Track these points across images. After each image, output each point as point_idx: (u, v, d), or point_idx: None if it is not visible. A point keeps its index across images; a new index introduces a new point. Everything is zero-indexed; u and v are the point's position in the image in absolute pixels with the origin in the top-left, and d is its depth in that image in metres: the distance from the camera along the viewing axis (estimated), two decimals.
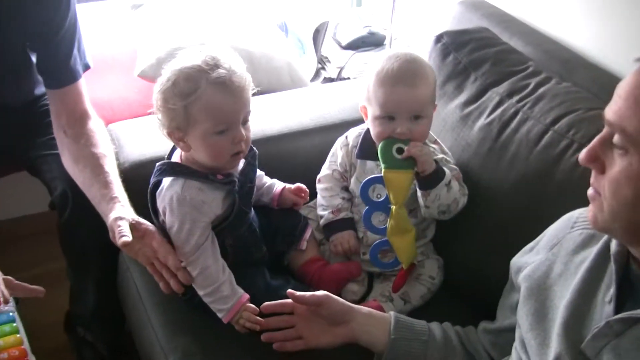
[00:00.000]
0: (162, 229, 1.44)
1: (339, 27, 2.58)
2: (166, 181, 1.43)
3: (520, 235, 1.41)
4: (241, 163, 1.48)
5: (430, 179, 1.48)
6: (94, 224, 1.52)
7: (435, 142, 1.60)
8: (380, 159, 1.48)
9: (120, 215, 1.40)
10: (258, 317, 1.38)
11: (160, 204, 1.43)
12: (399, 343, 1.31)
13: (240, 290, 1.42)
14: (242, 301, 1.40)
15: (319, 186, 1.65)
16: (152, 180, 1.45)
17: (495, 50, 1.68)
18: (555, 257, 1.14)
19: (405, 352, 1.31)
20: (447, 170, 1.50)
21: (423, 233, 1.62)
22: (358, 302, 1.51)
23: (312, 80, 2.45)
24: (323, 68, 2.50)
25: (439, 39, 1.74)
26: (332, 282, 1.53)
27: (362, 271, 1.59)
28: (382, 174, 1.47)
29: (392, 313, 1.36)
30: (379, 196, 1.53)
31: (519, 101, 1.54)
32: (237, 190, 1.43)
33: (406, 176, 1.47)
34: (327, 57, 2.51)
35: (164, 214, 1.42)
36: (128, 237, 1.34)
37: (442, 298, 1.60)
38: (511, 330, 1.23)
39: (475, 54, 1.68)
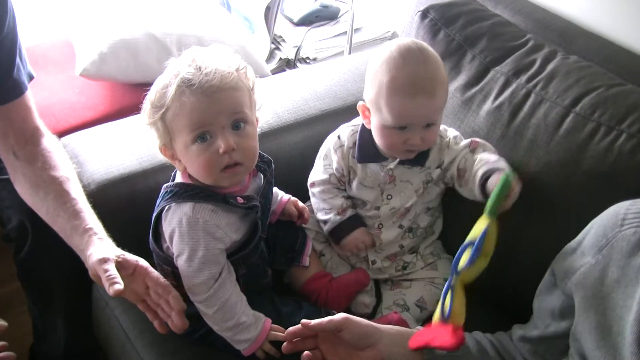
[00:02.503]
0: (164, 258, 1.26)
1: (288, 1, 2.39)
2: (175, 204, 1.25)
3: (545, 230, 1.34)
4: (260, 181, 1.31)
5: None
6: (60, 256, 1.34)
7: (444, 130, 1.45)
8: (491, 205, 1.13)
9: (104, 255, 1.19)
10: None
11: (167, 227, 1.24)
12: None
13: (261, 315, 1.26)
14: (267, 327, 1.25)
15: (314, 190, 1.49)
16: (161, 204, 1.26)
17: (489, 23, 1.54)
18: (607, 260, 1.03)
19: None
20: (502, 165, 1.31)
21: (431, 229, 1.50)
22: (373, 315, 1.41)
23: (267, 62, 2.26)
24: (277, 48, 2.32)
25: (424, 14, 1.58)
26: (342, 297, 1.41)
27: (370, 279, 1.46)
28: (487, 228, 1.11)
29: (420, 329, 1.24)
30: None
31: (528, 81, 1.41)
32: (260, 216, 1.26)
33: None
34: (281, 37, 2.32)
35: (170, 240, 1.24)
36: (120, 285, 1.14)
37: None
38: (554, 337, 1.15)
39: (468, 29, 1.53)
